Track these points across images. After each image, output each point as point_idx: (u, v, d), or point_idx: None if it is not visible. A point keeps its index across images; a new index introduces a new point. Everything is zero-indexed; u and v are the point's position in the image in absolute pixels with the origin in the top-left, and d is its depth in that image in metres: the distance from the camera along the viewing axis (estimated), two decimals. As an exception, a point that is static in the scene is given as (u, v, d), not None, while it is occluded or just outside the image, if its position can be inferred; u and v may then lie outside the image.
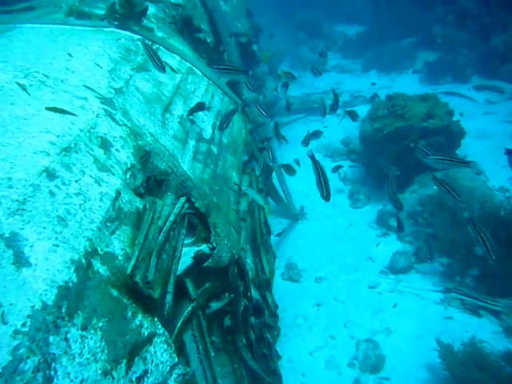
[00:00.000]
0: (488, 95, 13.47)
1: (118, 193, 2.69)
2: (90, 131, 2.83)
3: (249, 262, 4.18)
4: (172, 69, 4.70)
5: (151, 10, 5.60)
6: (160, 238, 2.53)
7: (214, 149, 4.40)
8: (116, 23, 4.43)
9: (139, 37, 4.56)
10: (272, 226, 10.65)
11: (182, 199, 3.02)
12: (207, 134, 4.46)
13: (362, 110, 14.32)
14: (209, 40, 6.79)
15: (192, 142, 4.02)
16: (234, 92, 6.85)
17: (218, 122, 4.93)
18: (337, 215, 9.97)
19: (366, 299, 7.52)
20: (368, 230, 9.40)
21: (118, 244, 2.41)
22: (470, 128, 10.50)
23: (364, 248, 8.89)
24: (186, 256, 3.40)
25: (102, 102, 3.16)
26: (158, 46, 4.76)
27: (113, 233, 2.44)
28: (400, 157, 9.42)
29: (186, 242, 3.46)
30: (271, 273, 4.49)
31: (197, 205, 3.44)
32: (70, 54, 3.52)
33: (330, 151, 12.13)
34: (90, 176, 2.57)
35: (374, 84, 12.61)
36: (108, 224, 2.43)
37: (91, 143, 2.78)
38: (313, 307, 7.63)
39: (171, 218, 2.73)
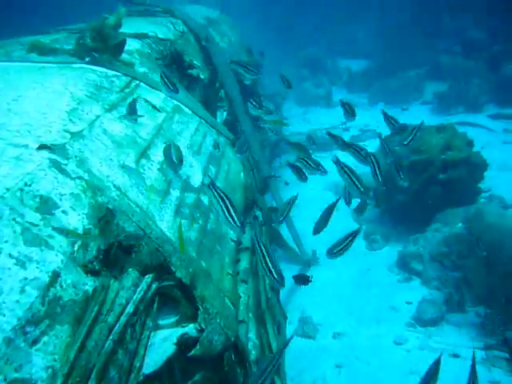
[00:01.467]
0: (505, 124, 12.73)
1: (56, 275, 1.91)
2: (22, 190, 2.09)
3: (252, 336, 3.32)
4: (154, 107, 4.03)
5: (135, 45, 5.02)
6: (108, 344, 1.73)
7: (205, 199, 3.64)
8: (87, 59, 3.82)
9: (115, 73, 3.93)
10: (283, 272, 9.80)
11: (148, 278, 2.23)
12: (196, 181, 3.71)
13: (372, 145, 13.73)
14: (203, 76, 6.19)
15: (175, 193, 3.27)
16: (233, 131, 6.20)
17: (211, 166, 4.21)
18: (353, 259, 9.03)
19: (394, 358, 6.49)
20: (388, 274, 8.45)
21: (40, 361, 1.60)
22: (489, 159, 9.68)
23: (385, 296, 7.92)
24: (168, 341, 2.59)
25: (49, 151, 2.44)
26: (137, 82, 4.12)
27: (35, 342, 1.64)
28: (418, 192, 8.60)
29: (167, 321, 2.66)
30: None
31: (178, 275, 2.64)
32: (19, 95, 2.85)
33: (341, 189, 11.34)
34: (9, 255, 1.80)
35: (405, 109, 11.85)
36: (28, 329, 1.64)
37: (22, 206, 2.03)
38: (333, 369, 6.60)
39: (129, 309, 1.93)
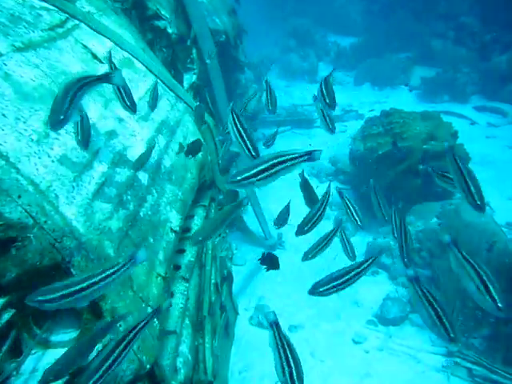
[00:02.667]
0: (490, 117, 12.28)
1: None
2: None
3: (184, 350, 2.71)
4: (94, 56, 3.25)
5: (86, -19, 4.15)
6: None
7: (144, 177, 2.93)
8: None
9: (47, 5, 3.11)
10: (244, 255, 9.27)
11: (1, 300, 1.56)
12: (135, 154, 3.00)
13: (354, 127, 13.12)
14: (170, 30, 5.36)
15: (101, 168, 2.56)
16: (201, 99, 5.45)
17: (162, 137, 3.49)
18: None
19: (350, 358, 6.07)
20: (355, 265, 8.00)
21: None
22: (471, 153, 9.23)
23: (349, 288, 7.47)
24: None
25: None
26: (76, 22, 3.30)
27: None
28: (396, 182, 8.08)
29: (63, 338, 2.02)
30: (216, 372, 3.00)
31: (80, 281, 1.99)
32: None
33: (316, 170, 10.73)
34: None
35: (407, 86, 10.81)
36: None
37: None
38: (285, 364, 6.17)
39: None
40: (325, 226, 9.21)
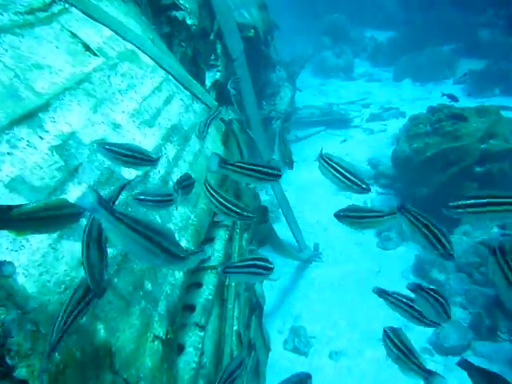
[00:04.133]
0: (549, 111, 10.99)
1: None
2: None
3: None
4: (87, 47, 2.59)
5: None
6: None
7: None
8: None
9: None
10: (277, 268, 8.46)
11: None
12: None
13: (394, 125, 12.09)
14: (190, 22, 4.68)
15: (79, 192, 1.88)
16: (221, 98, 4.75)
17: (171, 145, 2.80)
18: (361, 258, 7.66)
19: (402, 393, 5.21)
20: (401, 280, 7.06)
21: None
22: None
23: (397, 308, 6.60)
24: None
25: None
26: (65, 5, 2.66)
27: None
28: (447, 187, 7.11)
29: None
30: None
31: (21, 374, 1.31)
32: None
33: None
34: None
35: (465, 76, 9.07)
36: None
37: None
38: (325, 401, 5.37)
39: None
40: (367, 235, 8.39)
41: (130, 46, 3.00)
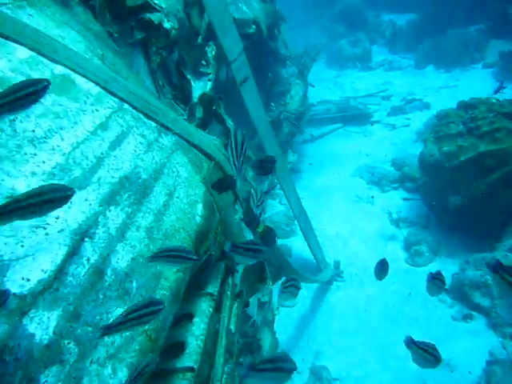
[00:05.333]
0: None
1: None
2: None
3: None
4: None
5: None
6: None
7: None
8: None
9: None
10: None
11: None
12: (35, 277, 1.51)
13: (418, 119, 10.98)
14: (169, 25, 3.84)
15: None
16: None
17: (116, 210, 2.00)
18: (388, 276, 6.71)
19: None
20: (438, 305, 6.12)
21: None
22: None
23: (435, 340, 5.70)
24: None
25: None
26: None
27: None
28: (487, 196, 6.11)
29: None
30: None
31: None
32: None
33: (377, 176, 8.84)
34: None
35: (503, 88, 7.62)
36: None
37: None
38: None
39: None
40: (393, 249, 7.46)
41: (60, 69, 2.20)
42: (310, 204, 8.49)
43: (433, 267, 6.72)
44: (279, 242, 7.72)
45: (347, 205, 8.31)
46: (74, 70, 2.24)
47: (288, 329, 6.18)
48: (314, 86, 10.09)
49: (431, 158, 6.76)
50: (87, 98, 2.23)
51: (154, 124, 2.63)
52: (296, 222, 7.13)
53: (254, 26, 6.44)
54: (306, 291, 6.68)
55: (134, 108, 2.53)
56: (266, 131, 6.41)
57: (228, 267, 2.94)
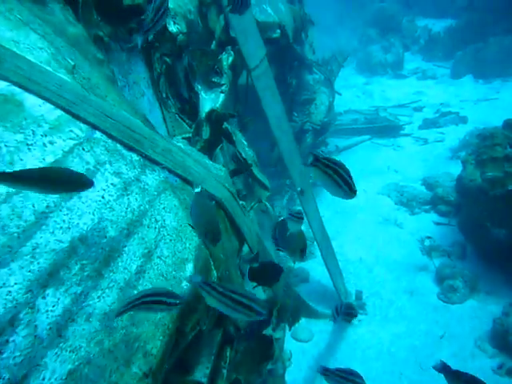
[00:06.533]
0: None
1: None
2: None
3: None
4: None
5: None
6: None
7: None
8: None
9: None
10: (309, 325, 6.76)
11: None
12: None
13: (453, 134, 10.04)
14: (175, 29, 3.26)
15: None
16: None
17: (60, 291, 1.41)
18: (418, 313, 5.98)
19: None
20: (476, 353, 5.35)
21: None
22: None
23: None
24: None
25: None
26: None
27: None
28: (537, 232, 5.33)
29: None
30: None
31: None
32: None
33: (406, 196, 8.07)
34: None
35: None
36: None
37: None
38: None
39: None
40: (424, 281, 6.69)
41: (2, 86, 1.62)
42: (331, 224, 7.81)
43: (469, 306, 5.96)
44: (297, 264, 7.07)
45: (373, 227, 7.59)
46: (24, 88, 1.66)
47: (303, 367, 5.53)
48: (340, 95, 9.41)
49: (471, 184, 5.99)
50: (38, 126, 1.65)
51: (136, 157, 2.04)
52: (315, 243, 6.48)
53: (278, 31, 5.82)
54: (323, 324, 6.03)
55: (110, 137, 1.94)
56: (288, 145, 5.78)
57: (227, 333, 2.34)
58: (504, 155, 5.67)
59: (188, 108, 3.72)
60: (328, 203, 8.39)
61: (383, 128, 10.31)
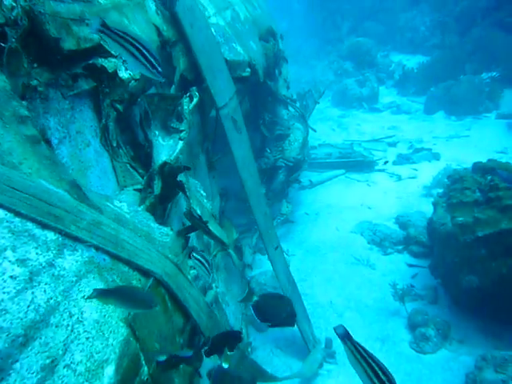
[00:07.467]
0: None
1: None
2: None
3: None
4: None
5: None
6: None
7: None
8: None
9: None
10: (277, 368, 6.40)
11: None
12: None
13: (426, 171, 9.99)
14: (126, 75, 3.03)
15: None
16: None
17: None
18: (389, 364, 5.65)
19: None
20: (446, 408, 5.12)
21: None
22: None
23: None
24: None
25: None
26: None
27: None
28: (509, 281, 5.18)
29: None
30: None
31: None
32: None
33: (379, 236, 7.91)
34: None
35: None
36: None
37: None
38: None
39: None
40: (396, 328, 6.43)
41: None
42: (302, 264, 7.58)
43: (442, 356, 5.73)
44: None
45: (344, 267, 7.37)
46: None
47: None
48: (315, 131, 9.32)
49: (442, 228, 5.86)
50: None
51: (54, 236, 1.75)
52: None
53: (248, 69, 5.67)
54: (289, 368, 5.71)
55: (18, 214, 1.66)
56: (254, 187, 5.56)
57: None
58: (473, 200, 5.57)
59: (143, 156, 3.47)
60: (300, 241, 8.16)
61: (357, 163, 10.24)
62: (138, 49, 2.07)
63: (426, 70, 13.74)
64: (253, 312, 2.67)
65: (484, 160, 6.38)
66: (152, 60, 2.09)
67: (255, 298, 2.59)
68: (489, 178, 5.72)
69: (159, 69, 2.13)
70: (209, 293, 4.46)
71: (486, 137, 10.78)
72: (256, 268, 7.47)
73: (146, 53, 2.08)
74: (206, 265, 3.05)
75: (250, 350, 5.39)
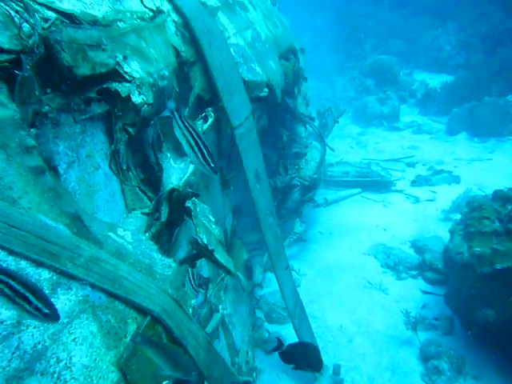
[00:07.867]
0: None
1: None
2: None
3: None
4: None
5: None
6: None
7: None
8: None
9: None
10: None
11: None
12: None
13: (445, 194, 9.74)
14: (139, 100, 3.00)
15: None
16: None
17: None
18: (398, 396, 5.54)
19: None
20: None
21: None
22: None
23: None
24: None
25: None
26: None
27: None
28: (527, 318, 4.95)
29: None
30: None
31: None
32: None
33: (393, 259, 7.71)
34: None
35: None
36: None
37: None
38: None
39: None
40: (407, 358, 6.20)
41: None
42: (313, 284, 7.44)
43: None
44: (273, 327, 6.64)
45: (356, 291, 7.19)
46: None
47: None
48: (333, 150, 9.20)
49: (458, 257, 5.65)
50: None
51: (48, 275, 1.71)
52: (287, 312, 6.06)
53: (266, 89, 5.62)
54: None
55: (12, 253, 1.62)
56: (265, 206, 5.48)
57: None
58: (492, 230, 5.37)
59: (153, 178, 3.44)
60: (312, 261, 8.03)
61: (374, 183, 10.06)
62: (197, 143, 2.35)
63: (450, 90, 13.49)
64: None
65: (507, 185, 6.17)
66: (207, 157, 2.34)
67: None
68: (509, 207, 5.51)
69: (212, 165, 2.37)
70: (215, 316, 4.39)
71: (510, 161, 10.47)
72: (266, 287, 7.36)
73: (203, 149, 2.35)
74: (193, 282, 2.94)
75: (255, 375, 5.27)
